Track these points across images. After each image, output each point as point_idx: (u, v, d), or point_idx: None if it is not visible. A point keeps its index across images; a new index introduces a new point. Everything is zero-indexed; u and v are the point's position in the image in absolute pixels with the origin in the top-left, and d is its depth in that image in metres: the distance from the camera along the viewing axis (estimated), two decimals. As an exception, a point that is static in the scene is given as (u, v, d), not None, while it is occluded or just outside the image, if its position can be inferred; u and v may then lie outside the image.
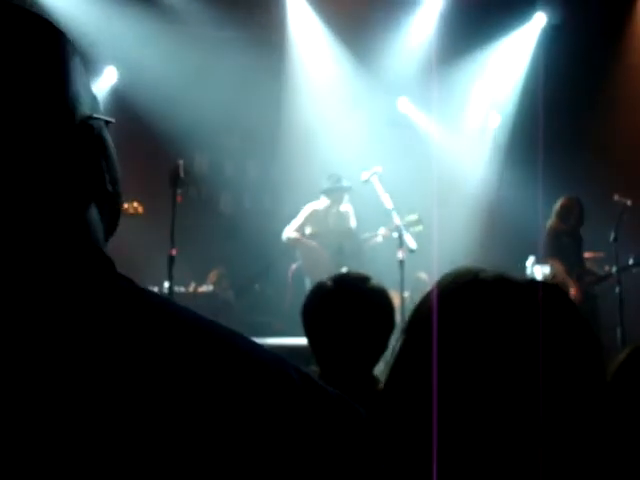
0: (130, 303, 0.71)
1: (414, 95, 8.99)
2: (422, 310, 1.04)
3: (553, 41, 8.82)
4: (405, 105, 9.33)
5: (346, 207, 7.41)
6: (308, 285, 7.17)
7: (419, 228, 6.53)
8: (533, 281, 1.04)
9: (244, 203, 9.61)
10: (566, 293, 1.08)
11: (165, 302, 0.75)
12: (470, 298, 1.00)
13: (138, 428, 0.65)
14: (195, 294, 7.81)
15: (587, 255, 7.06)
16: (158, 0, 8.20)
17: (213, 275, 8.24)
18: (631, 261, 6.79)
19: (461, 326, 0.98)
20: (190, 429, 0.65)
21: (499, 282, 1.02)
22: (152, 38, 8.06)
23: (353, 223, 7.40)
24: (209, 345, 0.71)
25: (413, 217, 6.59)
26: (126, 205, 6.31)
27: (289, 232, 7.27)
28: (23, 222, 0.70)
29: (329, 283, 2.18)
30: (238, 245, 8.69)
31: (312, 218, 7.26)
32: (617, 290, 6.27)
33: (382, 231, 7.08)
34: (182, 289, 7.52)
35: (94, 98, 0.82)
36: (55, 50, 0.77)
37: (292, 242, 7.30)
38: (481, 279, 1.03)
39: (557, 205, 6.79)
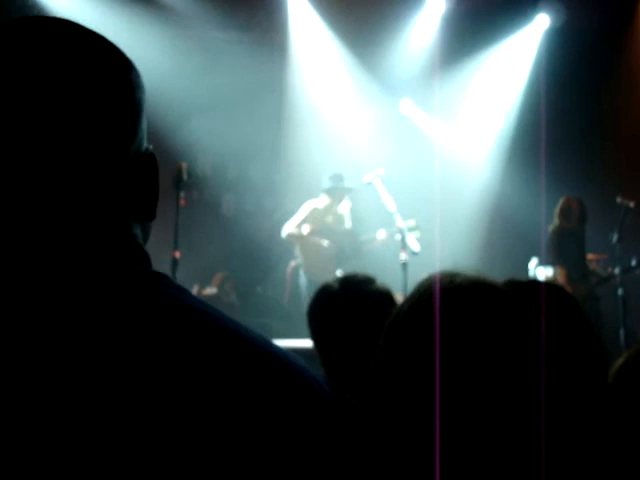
0: (161, 304, 0.75)
1: (417, 97, 8.98)
2: (398, 317, 1.05)
3: (556, 42, 8.81)
4: (408, 107, 9.32)
5: (345, 207, 7.40)
6: (305, 283, 7.16)
7: (417, 234, 6.52)
8: (513, 283, 1.04)
9: (246, 205, 9.61)
10: (566, 293, 1.08)
11: (199, 307, 0.78)
12: (446, 305, 1.00)
13: (138, 425, 0.66)
14: (198, 297, 7.81)
15: (590, 256, 7.06)
16: (160, 2, 8.21)
17: (217, 278, 8.24)
18: (634, 262, 6.79)
19: (434, 333, 0.98)
20: (192, 426, 0.67)
21: (475, 287, 1.02)
22: (154, 41, 8.07)
23: (348, 224, 7.38)
24: (235, 353, 0.73)
25: (411, 222, 6.58)
26: None
27: (289, 228, 7.23)
28: (80, 226, 0.77)
29: (335, 285, 2.19)
30: (241, 248, 8.69)
31: (312, 216, 7.23)
32: (620, 292, 6.26)
33: (381, 234, 7.08)
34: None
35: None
36: (132, 86, 0.86)
37: (292, 238, 7.26)
38: (457, 284, 1.03)
39: (558, 207, 6.80)
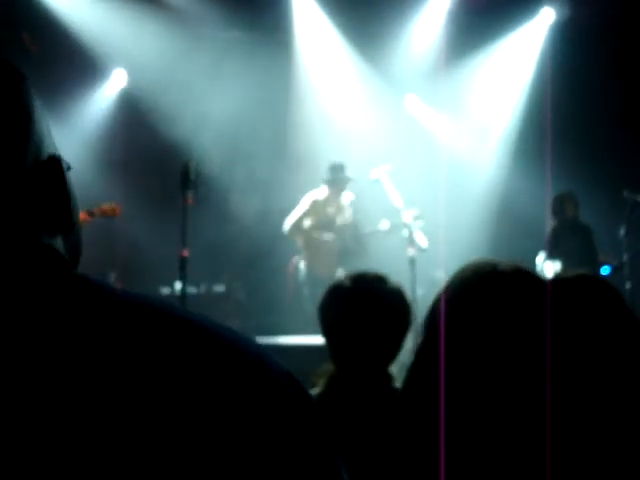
0: (89, 301, 0.73)
1: (422, 92, 8.98)
2: (441, 303, 1.05)
3: (561, 36, 8.79)
4: (413, 102, 9.32)
5: (347, 199, 7.24)
6: (307, 278, 7.04)
7: (420, 222, 6.47)
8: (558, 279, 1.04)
9: (254, 204, 9.62)
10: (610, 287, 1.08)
11: (129, 296, 0.76)
12: (490, 290, 1.01)
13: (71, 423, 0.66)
14: (207, 295, 7.82)
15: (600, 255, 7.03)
16: (165, 2, 8.22)
17: (225, 276, 8.26)
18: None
19: (482, 317, 0.98)
20: (142, 427, 0.67)
21: (517, 273, 1.03)
22: (161, 40, 8.09)
23: (349, 215, 7.23)
24: (183, 335, 0.73)
25: (414, 212, 6.53)
26: (105, 206, 6.35)
27: (290, 223, 7.11)
28: None
29: (347, 282, 2.20)
30: (249, 246, 8.70)
31: (313, 209, 7.08)
32: (627, 286, 6.26)
33: (384, 225, 6.89)
34: (194, 290, 7.53)
35: (55, 145, 0.86)
36: (18, 92, 0.80)
37: (293, 233, 7.13)
38: (500, 271, 1.03)
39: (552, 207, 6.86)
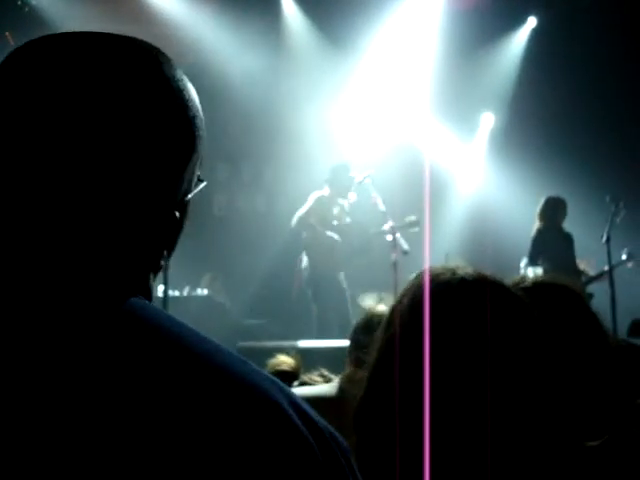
0: (141, 333, 0.74)
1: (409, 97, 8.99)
2: (399, 309, 1.04)
3: (545, 44, 8.85)
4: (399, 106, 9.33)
5: (352, 199, 7.04)
6: (309, 276, 6.91)
7: (416, 229, 6.47)
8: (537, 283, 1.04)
9: (238, 205, 9.60)
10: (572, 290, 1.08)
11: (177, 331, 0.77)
12: (448, 297, 1.00)
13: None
14: (189, 298, 7.78)
15: (580, 262, 7.04)
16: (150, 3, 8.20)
17: (207, 278, 8.22)
18: (624, 256, 6.82)
19: (439, 325, 0.98)
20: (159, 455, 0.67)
21: (479, 280, 1.02)
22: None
23: (353, 215, 7.05)
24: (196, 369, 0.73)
25: (413, 218, 6.51)
26: None
27: (298, 216, 6.89)
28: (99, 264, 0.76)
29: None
30: (232, 247, 8.67)
31: (318, 207, 6.89)
32: (609, 292, 6.29)
33: (387, 226, 6.62)
34: (177, 293, 7.49)
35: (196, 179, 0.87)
36: (190, 135, 0.81)
37: (302, 226, 6.89)
38: (461, 278, 1.02)
39: (539, 207, 6.83)
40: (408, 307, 1.03)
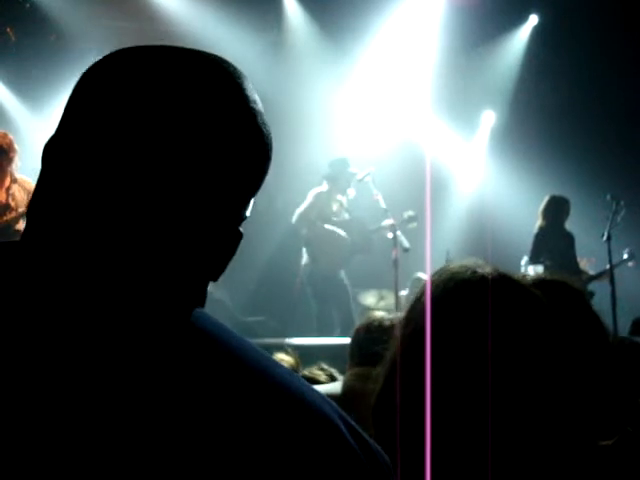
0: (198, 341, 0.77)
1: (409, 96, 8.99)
2: (419, 307, 1.04)
3: (546, 42, 8.84)
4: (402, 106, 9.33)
5: (351, 195, 7.01)
6: (310, 273, 6.88)
7: (414, 225, 6.46)
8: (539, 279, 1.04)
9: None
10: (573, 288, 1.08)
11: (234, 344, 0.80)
12: (470, 294, 0.99)
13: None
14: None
15: (580, 261, 7.04)
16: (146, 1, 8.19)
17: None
18: (625, 255, 6.82)
19: (463, 324, 0.98)
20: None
21: (499, 278, 1.02)
22: (145, 39, 8.04)
23: (354, 213, 7.03)
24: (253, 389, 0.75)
25: (411, 213, 6.49)
26: None
27: (298, 212, 6.87)
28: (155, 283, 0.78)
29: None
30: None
31: (318, 203, 6.85)
32: (610, 289, 6.29)
33: (390, 219, 6.57)
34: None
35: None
36: (265, 160, 0.86)
37: (303, 222, 6.88)
38: (480, 275, 1.02)
39: (542, 205, 6.83)
40: (432, 305, 1.03)
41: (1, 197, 5.14)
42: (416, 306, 1.06)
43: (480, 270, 1.03)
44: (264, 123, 0.83)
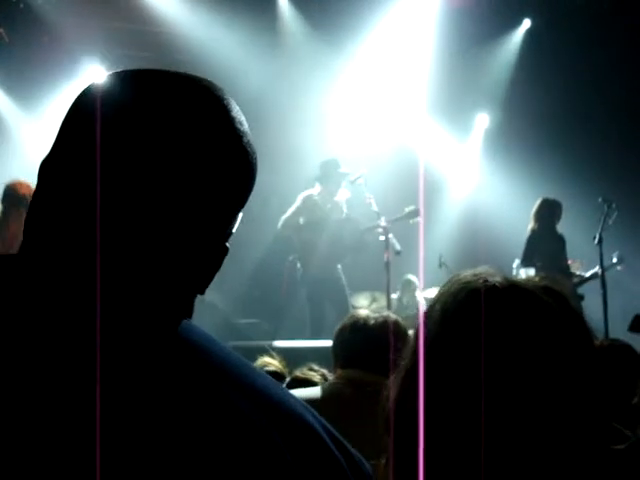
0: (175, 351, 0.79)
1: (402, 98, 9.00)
2: (434, 316, 1.04)
3: (539, 45, 8.87)
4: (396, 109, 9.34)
5: (343, 195, 6.96)
6: (302, 276, 6.84)
7: (417, 219, 6.36)
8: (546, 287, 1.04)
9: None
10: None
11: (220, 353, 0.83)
12: (484, 306, 1.00)
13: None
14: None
15: (571, 262, 7.06)
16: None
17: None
18: (614, 259, 6.85)
19: (477, 335, 0.98)
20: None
21: (510, 288, 1.02)
22: (138, 40, 8.05)
23: (346, 211, 6.96)
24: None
25: (413, 208, 6.41)
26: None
27: (285, 219, 6.84)
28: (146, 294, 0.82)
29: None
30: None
31: (307, 206, 6.81)
32: (601, 291, 6.32)
33: (383, 222, 6.50)
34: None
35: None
36: (251, 181, 0.90)
37: (288, 229, 6.85)
38: (491, 285, 1.02)
39: (534, 208, 6.84)
40: (440, 316, 1.03)
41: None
42: (429, 315, 1.06)
43: (491, 279, 1.03)
44: (249, 143, 0.87)
